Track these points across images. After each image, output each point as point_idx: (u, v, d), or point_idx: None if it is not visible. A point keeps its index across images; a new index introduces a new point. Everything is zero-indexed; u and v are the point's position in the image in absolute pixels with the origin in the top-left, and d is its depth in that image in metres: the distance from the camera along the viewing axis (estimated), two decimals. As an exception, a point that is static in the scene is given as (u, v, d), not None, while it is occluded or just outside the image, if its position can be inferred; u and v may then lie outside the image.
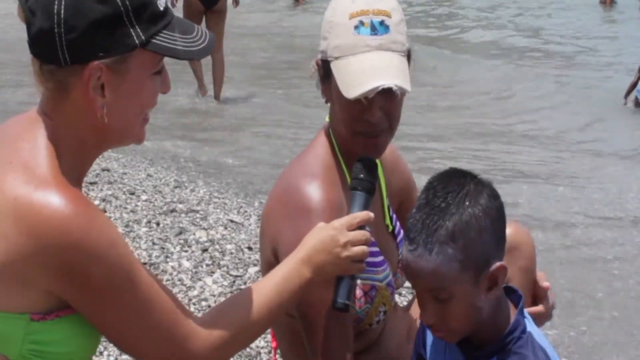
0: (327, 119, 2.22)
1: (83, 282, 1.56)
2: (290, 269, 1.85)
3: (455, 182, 1.77)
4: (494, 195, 1.78)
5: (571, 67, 12.98)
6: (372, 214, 1.94)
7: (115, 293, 1.60)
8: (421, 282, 1.78)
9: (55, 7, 1.55)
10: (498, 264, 1.75)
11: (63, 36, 1.56)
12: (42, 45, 1.58)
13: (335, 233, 1.87)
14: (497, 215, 1.77)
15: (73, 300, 1.59)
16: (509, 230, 2.22)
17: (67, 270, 1.55)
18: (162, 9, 1.64)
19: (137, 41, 1.60)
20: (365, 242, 1.90)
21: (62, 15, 1.55)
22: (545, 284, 2.25)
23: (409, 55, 2.11)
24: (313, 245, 1.87)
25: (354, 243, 1.88)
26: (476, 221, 1.72)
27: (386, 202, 2.32)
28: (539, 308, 2.24)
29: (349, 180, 2.13)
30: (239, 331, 1.76)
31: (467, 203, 1.73)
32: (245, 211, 5.12)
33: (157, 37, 1.62)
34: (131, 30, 1.59)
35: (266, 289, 1.82)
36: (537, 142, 8.53)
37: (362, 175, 2.00)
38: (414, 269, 1.76)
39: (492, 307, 1.80)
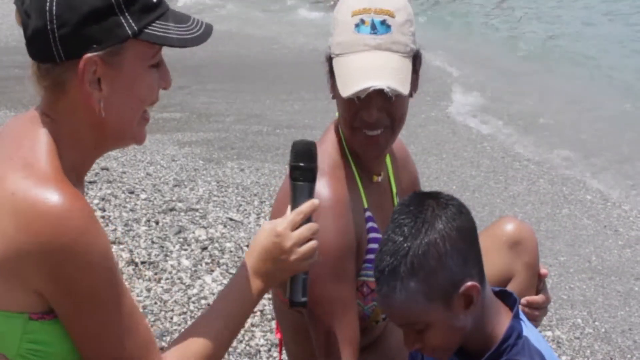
0: (337, 114, 2.21)
1: (69, 287, 1.55)
2: (242, 287, 1.81)
3: (413, 211, 1.76)
4: (455, 214, 1.76)
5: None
6: (317, 201, 1.84)
7: (98, 304, 1.57)
8: (394, 318, 1.81)
9: (47, 5, 1.55)
10: (468, 284, 1.74)
11: (56, 32, 1.55)
12: (37, 44, 1.58)
13: (279, 240, 1.80)
14: (459, 235, 1.75)
15: (56, 303, 1.57)
16: (511, 227, 2.25)
17: (57, 271, 1.53)
18: (155, 0, 1.62)
19: (129, 31, 1.59)
20: (313, 234, 1.81)
21: (54, 12, 1.55)
22: (543, 271, 2.25)
23: (416, 57, 2.09)
24: (258, 256, 1.81)
25: (301, 243, 1.80)
26: (434, 249, 1.72)
27: (396, 200, 2.31)
28: (539, 297, 2.24)
29: (356, 175, 2.13)
30: None
31: (424, 232, 1.72)
32: (245, 209, 5.11)
33: (150, 27, 1.61)
34: (123, 20, 1.58)
35: (224, 312, 1.78)
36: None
37: (301, 164, 1.86)
38: (384, 307, 1.80)
39: (477, 318, 1.79)
